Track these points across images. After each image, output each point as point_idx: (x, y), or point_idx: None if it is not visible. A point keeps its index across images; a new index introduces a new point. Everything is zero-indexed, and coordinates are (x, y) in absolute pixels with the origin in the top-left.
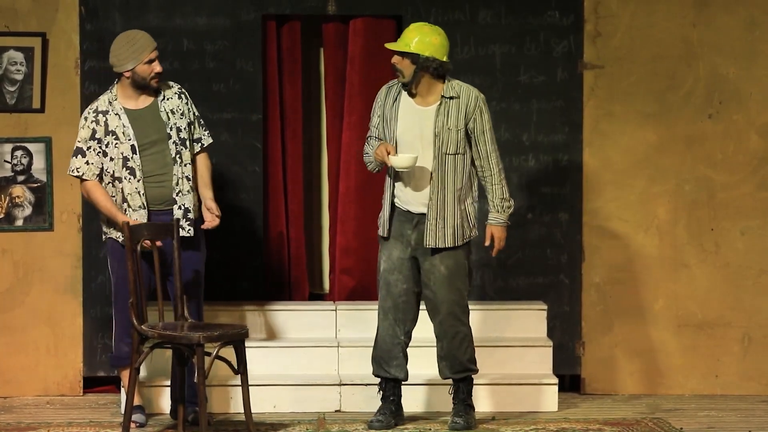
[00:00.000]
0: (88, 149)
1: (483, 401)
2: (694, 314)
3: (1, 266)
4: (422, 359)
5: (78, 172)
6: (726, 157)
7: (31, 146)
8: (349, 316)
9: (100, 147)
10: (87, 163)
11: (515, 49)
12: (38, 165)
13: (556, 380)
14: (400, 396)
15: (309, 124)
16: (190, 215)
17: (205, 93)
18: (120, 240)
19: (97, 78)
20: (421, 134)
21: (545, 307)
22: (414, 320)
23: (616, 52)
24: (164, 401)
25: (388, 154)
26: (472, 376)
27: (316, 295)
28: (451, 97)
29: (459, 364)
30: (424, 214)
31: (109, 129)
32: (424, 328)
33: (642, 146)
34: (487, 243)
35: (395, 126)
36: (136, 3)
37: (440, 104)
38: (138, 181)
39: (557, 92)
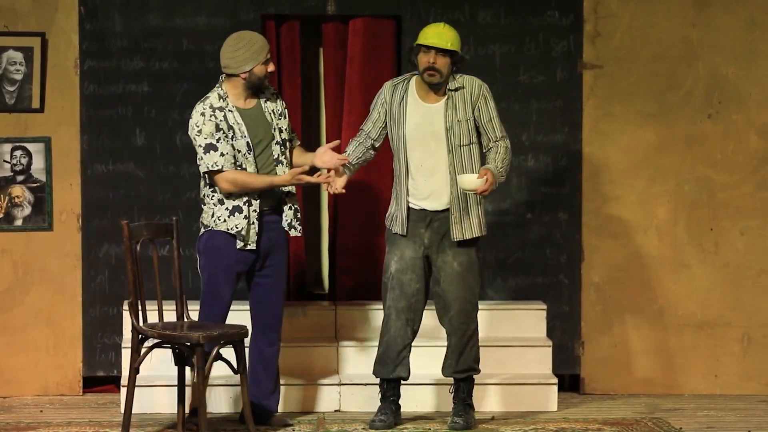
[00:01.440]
0: (217, 141)
1: (483, 401)
2: (693, 314)
3: (1, 266)
4: (422, 359)
5: (217, 166)
6: (726, 157)
7: (30, 146)
8: (349, 316)
9: (226, 138)
10: (222, 154)
11: (515, 49)
12: (37, 165)
13: (555, 380)
14: (400, 396)
15: (309, 124)
16: (299, 215)
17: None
18: (231, 231)
19: (96, 78)
20: (431, 130)
21: (545, 307)
22: (421, 320)
23: (615, 52)
24: (164, 401)
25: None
26: (474, 376)
27: (316, 295)
28: (456, 89)
29: (464, 362)
30: (437, 212)
31: (229, 124)
32: (424, 329)
33: (642, 146)
34: (479, 177)
35: (404, 124)
36: (136, 3)
37: (447, 98)
38: None
39: (557, 92)
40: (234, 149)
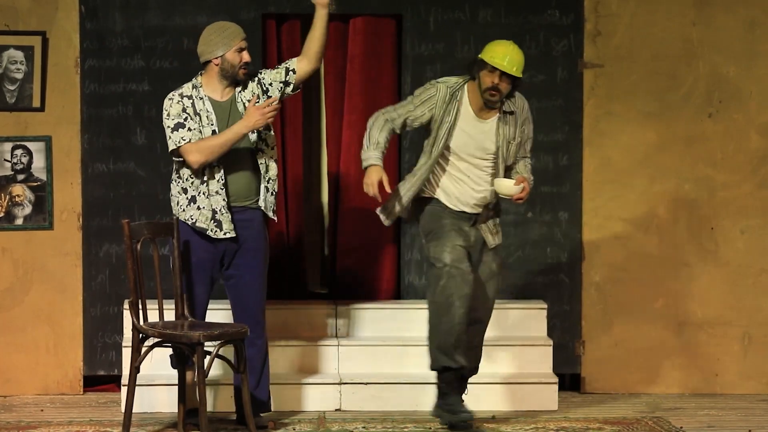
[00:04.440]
0: (185, 120)
1: (483, 400)
2: (694, 313)
3: (1, 265)
4: (421, 358)
5: (184, 140)
6: (726, 156)
7: (31, 145)
8: (349, 315)
9: (193, 120)
10: (189, 129)
11: None
12: (38, 164)
13: (556, 379)
14: (466, 387)
15: (309, 123)
16: (275, 198)
17: None
18: (189, 223)
19: (97, 77)
20: (482, 146)
21: (545, 306)
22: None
23: (616, 51)
24: (165, 400)
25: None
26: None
27: (316, 294)
28: (511, 112)
29: (476, 360)
30: (479, 214)
31: (196, 110)
32: (424, 327)
33: (642, 145)
34: (518, 185)
35: (454, 132)
36: (136, 2)
37: (500, 119)
38: (216, 166)
39: (557, 91)
40: (200, 133)
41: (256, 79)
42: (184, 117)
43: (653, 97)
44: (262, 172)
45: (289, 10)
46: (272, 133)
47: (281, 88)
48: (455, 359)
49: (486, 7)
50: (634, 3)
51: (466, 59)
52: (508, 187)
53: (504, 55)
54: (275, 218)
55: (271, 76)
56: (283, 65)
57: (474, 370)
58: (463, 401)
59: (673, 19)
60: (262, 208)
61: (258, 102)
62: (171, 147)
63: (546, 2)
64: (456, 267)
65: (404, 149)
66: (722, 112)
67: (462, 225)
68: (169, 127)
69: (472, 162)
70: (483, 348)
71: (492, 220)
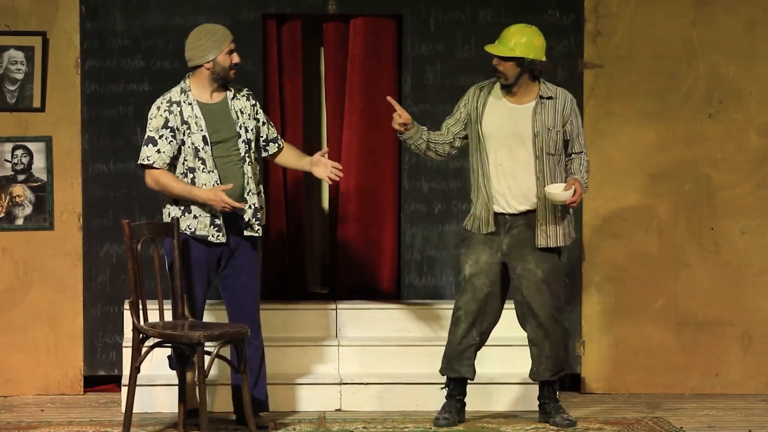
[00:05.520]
0: (160, 138)
1: (483, 401)
2: (694, 313)
3: (2, 265)
4: (423, 358)
5: (149, 160)
6: (726, 156)
7: (31, 145)
8: (350, 315)
9: (173, 136)
10: (158, 151)
11: None
12: (38, 164)
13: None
14: (465, 394)
15: (309, 123)
16: (260, 214)
17: None
18: (188, 233)
19: (97, 77)
20: (515, 132)
21: None
22: (496, 321)
23: (616, 51)
24: (165, 401)
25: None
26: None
27: (316, 294)
28: (549, 98)
29: (558, 364)
30: (516, 216)
31: (184, 118)
32: (425, 327)
33: (642, 145)
34: (568, 189)
35: (484, 122)
36: (137, 2)
37: (537, 104)
38: (209, 172)
39: None
40: (185, 145)
41: (255, 102)
42: (160, 134)
43: (653, 97)
44: (246, 185)
45: (289, 10)
46: (252, 152)
47: (262, 139)
48: (455, 369)
49: (486, 7)
50: (634, 3)
51: (466, 59)
52: (556, 193)
53: (500, 38)
54: (257, 233)
55: (264, 121)
56: (275, 132)
57: (560, 372)
58: (452, 408)
59: (673, 19)
60: (243, 226)
61: (247, 119)
62: (138, 161)
63: (546, 2)
64: (470, 282)
65: (404, 149)
66: (722, 112)
67: (495, 234)
68: (144, 138)
69: (507, 150)
70: (551, 354)
71: (546, 219)
